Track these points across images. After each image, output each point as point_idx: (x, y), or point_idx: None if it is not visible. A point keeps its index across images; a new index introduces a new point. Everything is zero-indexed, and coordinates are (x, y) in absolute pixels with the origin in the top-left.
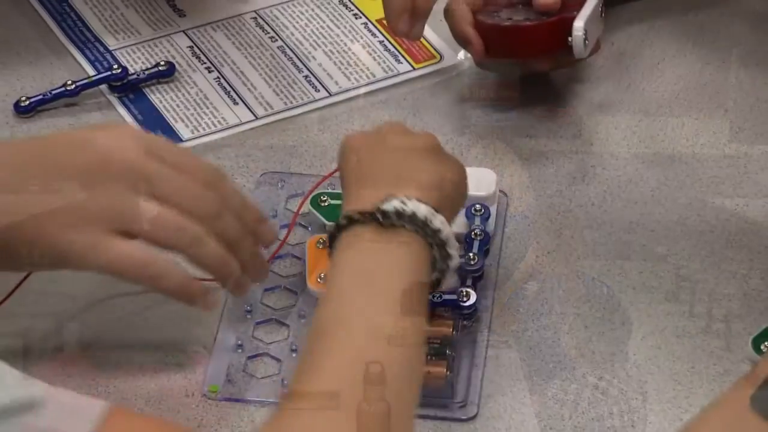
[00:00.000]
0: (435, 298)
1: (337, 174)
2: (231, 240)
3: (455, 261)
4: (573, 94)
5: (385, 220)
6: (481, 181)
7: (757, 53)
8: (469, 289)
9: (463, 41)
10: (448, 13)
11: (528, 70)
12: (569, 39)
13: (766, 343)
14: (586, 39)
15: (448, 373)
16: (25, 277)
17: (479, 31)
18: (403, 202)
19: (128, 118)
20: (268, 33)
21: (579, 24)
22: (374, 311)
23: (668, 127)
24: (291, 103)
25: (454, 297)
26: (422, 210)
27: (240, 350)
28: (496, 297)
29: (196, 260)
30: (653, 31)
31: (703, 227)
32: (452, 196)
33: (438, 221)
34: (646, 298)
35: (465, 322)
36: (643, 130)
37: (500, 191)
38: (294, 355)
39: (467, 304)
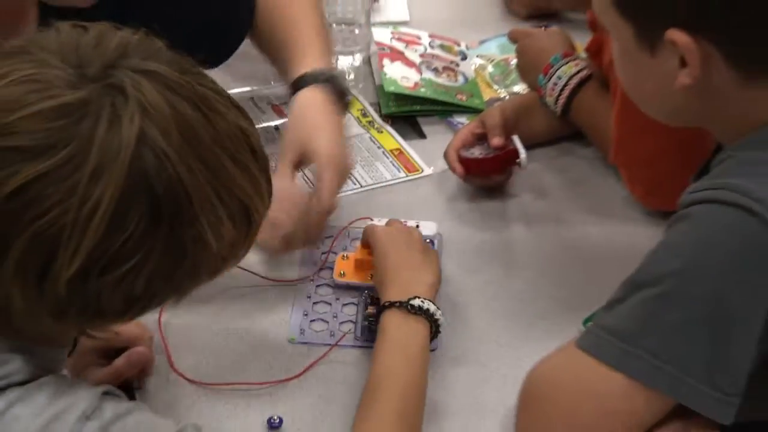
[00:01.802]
0: None
1: (352, 225)
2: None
3: (441, 332)
4: (496, 192)
5: (411, 309)
6: (428, 227)
7: (609, 185)
8: None
9: (454, 170)
10: (445, 156)
11: (488, 183)
12: (517, 161)
13: (588, 323)
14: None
15: None
16: None
17: (462, 162)
18: (422, 301)
19: None
20: None
21: (523, 155)
22: (410, 371)
23: (559, 209)
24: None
25: None
26: (432, 308)
27: (306, 317)
28: (441, 290)
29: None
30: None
31: (570, 263)
32: (437, 280)
33: (438, 314)
34: (529, 296)
35: None
36: (543, 210)
37: (438, 233)
38: (335, 319)
39: None
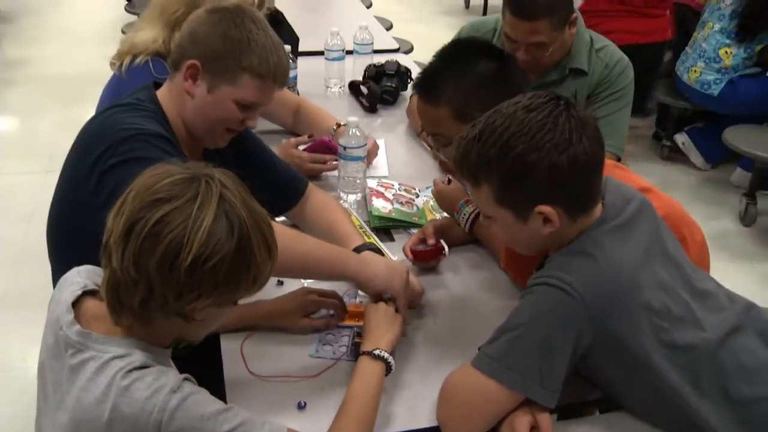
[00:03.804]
0: None
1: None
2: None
3: (392, 370)
4: (430, 271)
5: (375, 357)
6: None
7: (495, 270)
8: None
9: (407, 257)
10: (403, 250)
11: (426, 266)
12: (443, 252)
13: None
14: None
15: None
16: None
17: (412, 253)
18: (381, 351)
19: None
20: None
21: (446, 250)
22: (370, 397)
23: (467, 282)
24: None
25: None
26: (388, 356)
27: (320, 342)
28: None
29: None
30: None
31: (472, 314)
32: (396, 340)
33: (391, 360)
34: (446, 333)
35: None
36: (457, 282)
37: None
38: (336, 344)
39: None
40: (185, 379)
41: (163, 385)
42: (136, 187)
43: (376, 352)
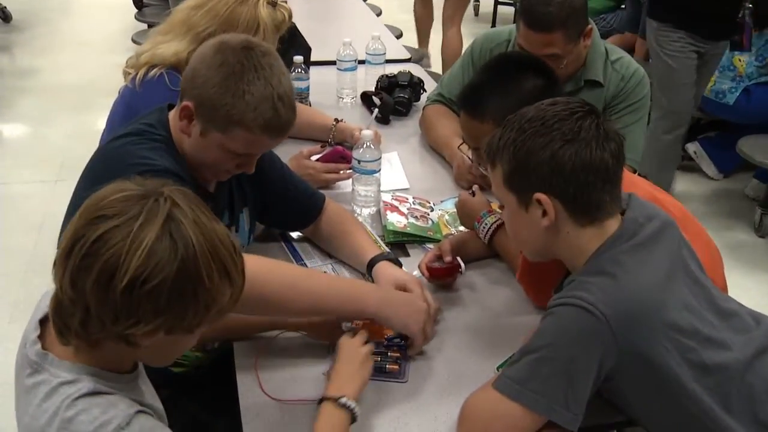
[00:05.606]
0: (399, 341)
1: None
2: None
3: (356, 420)
4: (447, 288)
5: (339, 405)
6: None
7: (513, 284)
8: (403, 341)
9: (423, 275)
10: (419, 267)
11: (442, 282)
12: (459, 270)
13: (499, 368)
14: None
15: (399, 364)
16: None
17: (428, 270)
18: (347, 400)
19: None
20: None
21: (462, 266)
22: None
23: (483, 299)
24: None
25: (401, 341)
26: (354, 405)
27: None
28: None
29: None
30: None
31: (489, 330)
32: (363, 386)
33: (357, 409)
34: (463, 350)
35: (403, 349)
36: (473, 299)
37: None
38: None
39: (402, 343)
40: (139, 411)
41: (109, 419)
42: (86, 203)
43: (342, 400)
